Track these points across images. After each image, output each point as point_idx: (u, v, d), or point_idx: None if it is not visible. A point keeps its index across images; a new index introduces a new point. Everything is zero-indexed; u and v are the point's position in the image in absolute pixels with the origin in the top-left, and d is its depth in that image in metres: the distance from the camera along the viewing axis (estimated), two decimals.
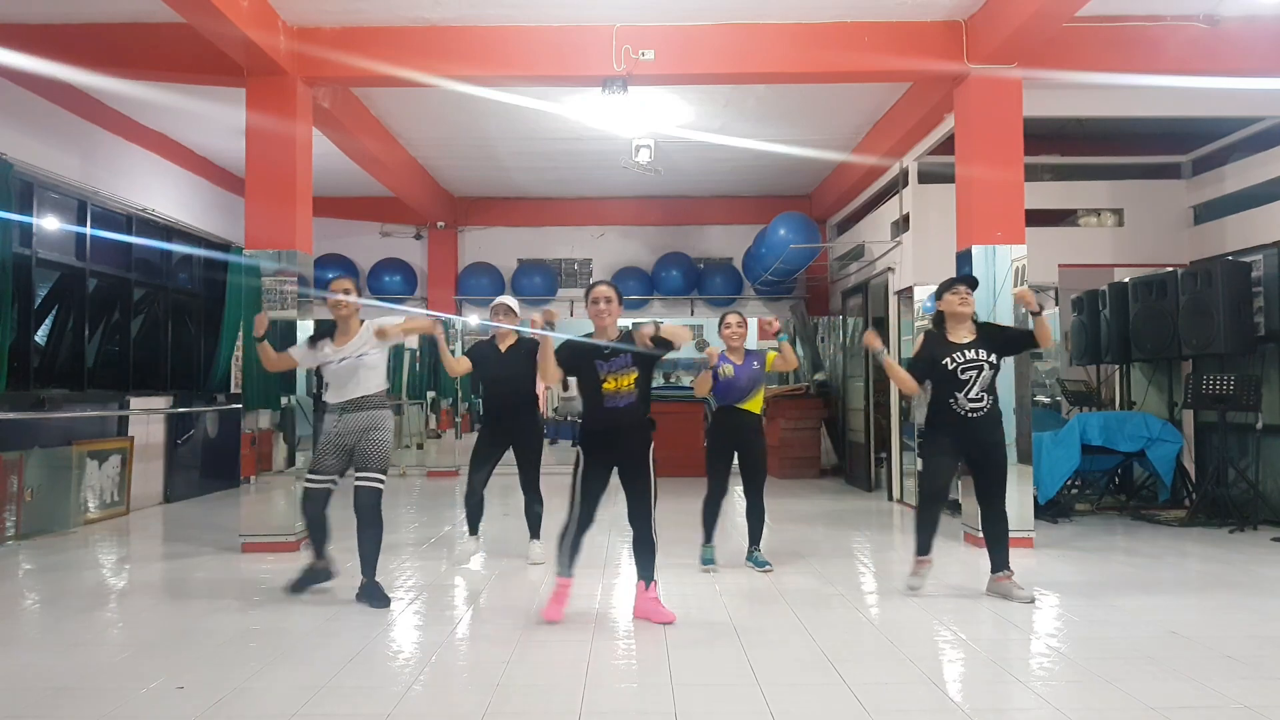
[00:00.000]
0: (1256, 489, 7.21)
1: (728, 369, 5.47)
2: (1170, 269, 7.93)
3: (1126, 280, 8.41)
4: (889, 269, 9.04)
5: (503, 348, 5.75)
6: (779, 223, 10.27)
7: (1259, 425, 7.25)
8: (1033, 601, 4.66)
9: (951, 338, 4.86)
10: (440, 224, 11.94)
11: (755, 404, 5.60)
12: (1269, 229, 7.32)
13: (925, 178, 8.31)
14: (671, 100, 8.03)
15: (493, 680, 3.52)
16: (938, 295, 4.97)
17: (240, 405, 6.68)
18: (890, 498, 8.98)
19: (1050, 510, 7.42)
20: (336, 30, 6.49)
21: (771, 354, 5.62)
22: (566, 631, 4.24)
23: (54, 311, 7.77)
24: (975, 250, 6.43)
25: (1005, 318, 6.22)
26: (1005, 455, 4.96)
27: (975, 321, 4.92)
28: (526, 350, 5.61)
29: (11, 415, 6.67)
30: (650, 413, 4.43)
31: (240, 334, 8.64)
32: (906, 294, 8.74)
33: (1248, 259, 7.33)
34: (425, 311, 11.90)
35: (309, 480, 4.84)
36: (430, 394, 12.88)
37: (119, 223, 8.36)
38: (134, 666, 3.73)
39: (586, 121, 8.31)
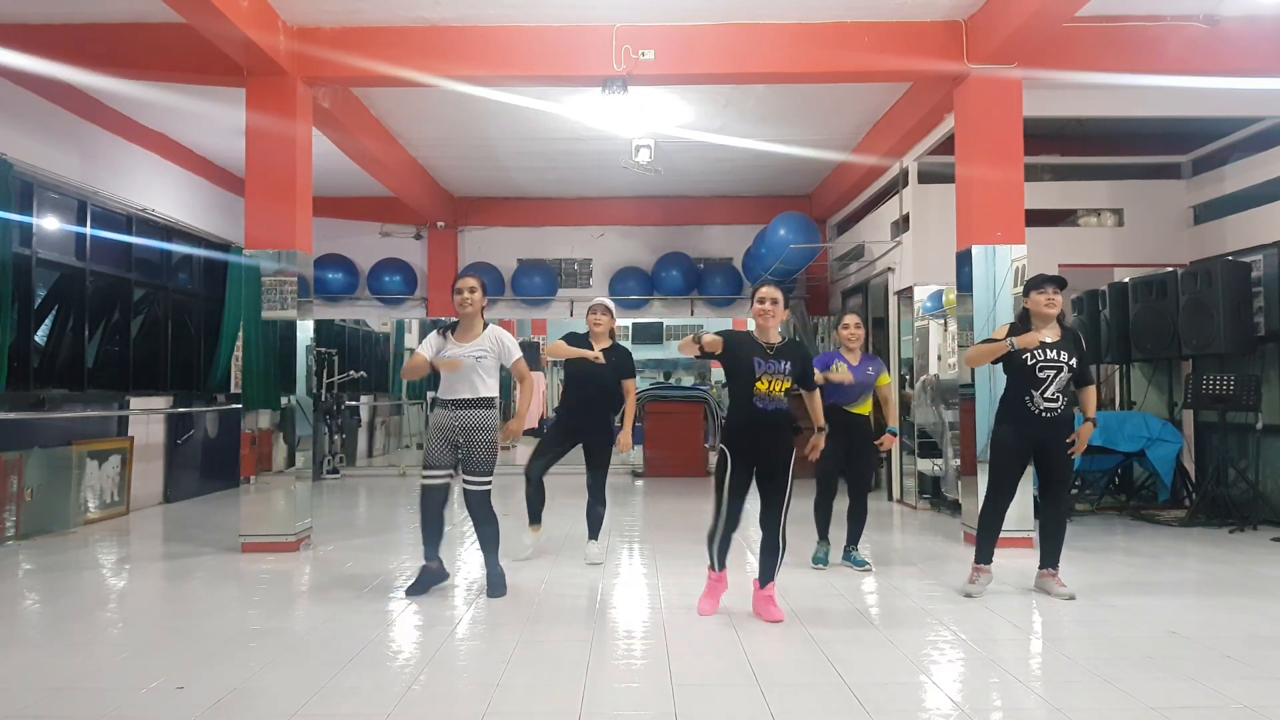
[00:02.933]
0: (1256, 489, 7.22)
1: (843, 368, 5.43)
2: (1170, 269, 7.93)
3: (1126, 280, 8.41)
4: (889, 269, 9.04)
5: (597, 347, 5.76)
6: (779, 223, 10.27)
7: (1259, 425, 7.25)
8: (1073, 598, 4.72)
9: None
10: (440, 224, 11.94)
11: (865, 407, 5.61)
12: (1269, 229, 7.32)
13: (925, 178, 8.31)
14: (671, 100, 8.03)
15: (493, 680, 3.52)
16: (1025, 293, 4.91)
17: (240, 405, 6.68)
18: (890, 498, 8.98)
19: None
20: (336, 30, 6.49)
21: (886, 377, 5.67)
22: (566, 631, 4.24)
23: (54, 311, 7.78)
24: (975, 250, 6.43)
25: (1005, 319, 6.21)
26: (1071, 459, 4.85)
27: (1061, 324, 4.83)
28: (619, 358, 5.75)
29: (11, 415, 6.67)
30: (795, 421, 4.39)
31: (240, 334, 8.64)
32: (906, 294, 8.75)
33: (1248, 259, 7.33)
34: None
35: (426, 477, 4.94)
36: (430, 394, 12.89)
37: (119, 223, 8.37)
38: (134, 666, 3.73)
39: (586, 121, 8.30)
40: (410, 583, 5.04)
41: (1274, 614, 4.56)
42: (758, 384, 4.23)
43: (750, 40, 6.47)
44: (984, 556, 4.90)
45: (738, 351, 4.28)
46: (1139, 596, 4.88)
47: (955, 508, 7.55)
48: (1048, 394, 4.67)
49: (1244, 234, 7.62)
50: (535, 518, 5.91)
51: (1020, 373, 4.73)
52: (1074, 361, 4.69)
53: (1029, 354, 4.68)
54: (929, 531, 7.18)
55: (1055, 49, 6.32)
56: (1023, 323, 4.86)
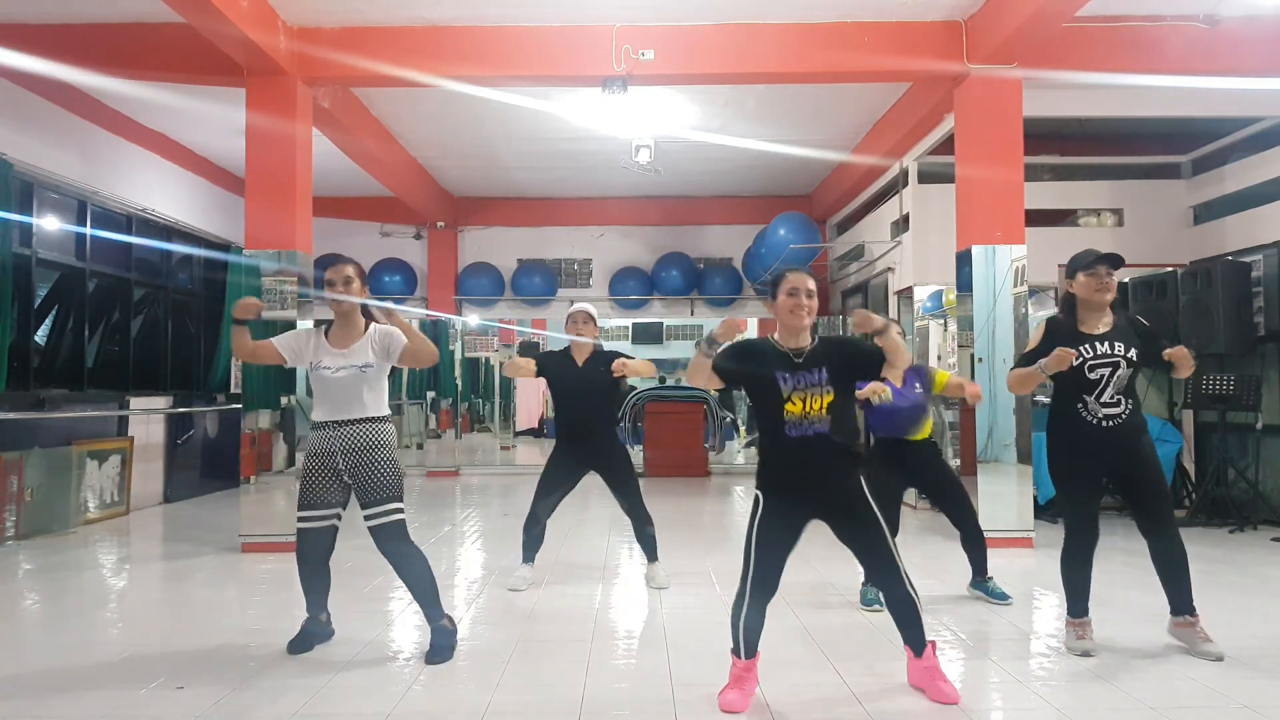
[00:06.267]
0: (1256, 489, 7.22)
1: (885, 390, 4.28)
2: (1170, 269, 7.93)
3: (1126, 280, 8.41)
4: (889, 269, 9.04)
5: (579, 360, 5.11)
6: (779, 223, 10.27)
7: (1259, 425, 7.26)
8: (1220, 659, 3.73)
9: (1082, 327, 3.89)
10: (440, 224, 11.95)
11: (925, 431, 4.66)
12: (1269, 229, 7.32)
13: (925, 178, 8.31)
14: (672, 100, 8.03)
15: (493, 680, 3.53)
16: (1069, 274, 3.98)
17: (240, 405, 6.68)
18: None
19: (1050, 510, 7.42)
20: (336, 30, 6.50)
21: (943, 374, 4.56)
22: (567, 631, 4.24)
23: (54, 311, 7.79)
24: (975, 250, 6.44)
25: (1005, 319, 6.21)
26: (1160, 469, 3.89)
27: (1115, 310, 3.96)
28: (606, 362, 5.03)
29: (11, 415, 6.67)
30: (856, 443, 3.26)
31: None
32: (906, 294, 8.75)
33: (1248, 259, 7.33)
34: (421, 311, 11.91)
35: (303, 520, 3.91)
36: (430, 394, 12.88)
37: (119, 223, 8.37)
38: (134, 666, 3.73)
39: (586, 121, 8.31)
40: (292, 637, 4.02)
41: (1274, 614, 4.56)
42: (787, 405, 3.15)
43: (750, 40, 6.47)
44: (1080, 609, 3.98)
45: (755, 364, 3.23)
46: (1139, 596, 4.88)
47: None
48: (1105, 398, 3.80)
49: (1244, 234, 7.62)
50: (530, 555, 5.26)
51: (1069, 375, 3.84)
52: (1132, 354, 3.81)
53: (1076, 351, 3.80)
54: (929, 531, 7.18)
55: (1055, 49, 6.32)
56: (1067, 312, 3.97)
